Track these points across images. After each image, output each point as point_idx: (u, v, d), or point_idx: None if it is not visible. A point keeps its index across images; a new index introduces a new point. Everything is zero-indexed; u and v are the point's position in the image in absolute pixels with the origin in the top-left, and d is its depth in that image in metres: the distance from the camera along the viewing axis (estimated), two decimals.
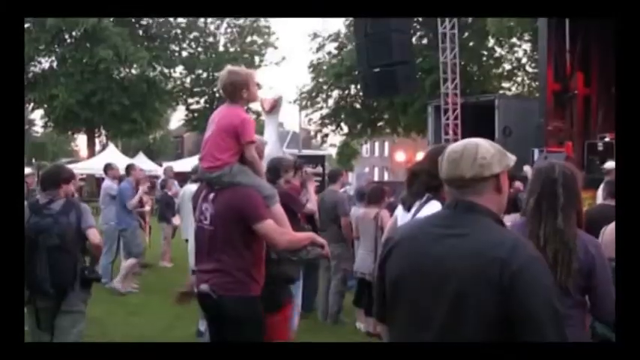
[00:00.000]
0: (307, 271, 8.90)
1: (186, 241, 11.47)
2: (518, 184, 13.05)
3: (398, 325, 2.68)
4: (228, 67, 4.73)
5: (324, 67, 37.97)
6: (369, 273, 8.66)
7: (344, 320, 9.59)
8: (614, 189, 6.23)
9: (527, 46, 33.62)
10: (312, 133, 43.20)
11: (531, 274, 2.39)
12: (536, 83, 27.06)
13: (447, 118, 21.33)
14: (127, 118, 38.76)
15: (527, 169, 11.40)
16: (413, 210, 4.03)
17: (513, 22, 27.16)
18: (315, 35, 38.58)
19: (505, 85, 35.40)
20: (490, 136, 15.03)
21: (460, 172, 2.56)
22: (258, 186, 4.54)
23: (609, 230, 4.64)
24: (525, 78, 35.54)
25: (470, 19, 30.36)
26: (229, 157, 4.47)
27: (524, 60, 35.11)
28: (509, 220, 3.65)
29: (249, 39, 44.49)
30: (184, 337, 7.91)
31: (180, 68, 43.56)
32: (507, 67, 35.59)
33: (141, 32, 41.20)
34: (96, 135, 43.06)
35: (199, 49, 43.82)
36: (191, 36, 43.06)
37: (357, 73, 28.12)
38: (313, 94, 38.80)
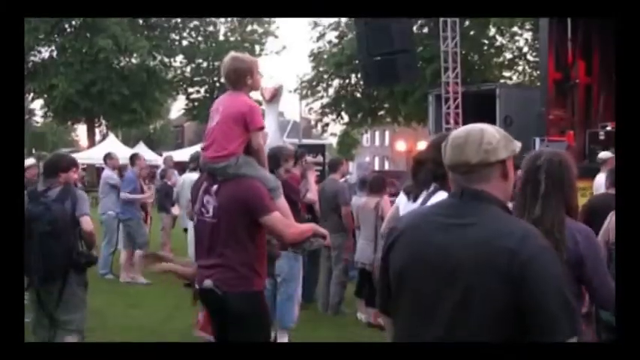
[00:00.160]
0: (308, 261, 8.88)
1: (185, 230, 11.48)
2: (520, 173, 12.99)
3: (402, 317, 2.61)
4: (232, 53, 4.61)
5: (325, 56, 37.83)
6: (370, 263, 8.63)
7: (345, 311, 9.55)
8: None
9: (528, 35, 33.49)
10: (313, 123, 43.11)
11: (542, 264, 2.34)
12: (538, 72, 26.98)
13: (448, 107, 21.25)
14: (126, 108, 38.69)
15: None
16: (420, 200, 3.97)
17: None
18: (316, 24, 38.39)
19: (506, 74, 35.27)
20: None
21: (465, 157, 2.49)
22: (263, 178, 4.43)
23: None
24: (526, 67, 35.40)
25: None
26: (236, 147, 4.33)
27: (525, 49, 34.96)
28: None
29: (249, 28, 44.35)
30: (184, 327, 7.87)
31: (180, 57, 43.36)
32: (508, 56, 35.45)
33: (140, 21, 41.02)
34: (96, 125, 43.03)
35: (199, 38, 43.66)
36: (191, 25, 42.86)
37: (357, 62, 28.05)
38: (314, 84, 38.66)
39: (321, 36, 38.35)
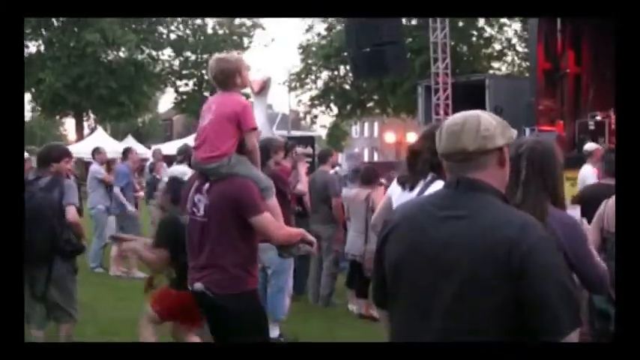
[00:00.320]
0: None
1: None
2: None
3: (399, 310, 2.57)
4: (216, 55, 4.56)
5: (314, 49, 37.84)
6: (360, 255, 8.61)
7: (335, 302, 9.52)
8: (611, 167, 6.12)
9: (517, 26, 33.53)
10: (302, 115, 43.12)
11: (542, 255, 2.29)
12: (527, 63, 27.03)
13: (438, 98, 21.24)
14: (114, 102, 38.51)
15: None
16: (417, 190, 3.93)
17: None
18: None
19: (495, 65, 35.37)
20: None
21: (462, 145, 2.44)
22: (256, 177, 4.38)
23: (611, 204, 4.55)
24: (515, 58, 35.52)
25: None
26: (229, 148, 4.28)
27: (514, 40, 35.07)
28: None
29: (237, 20, 44.18)
30: None
31: (168, 51, 43.19)
32: (497, 47, 35.53)
33: None
34: (84, 119, 42.82)
35: (187, 31, 43.46)
36: (179, 18, 42.73)
37: (346, 54, 28.03)
38: (302, 76, 38.70)
39: (310, 28, 38.36)
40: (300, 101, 40.82)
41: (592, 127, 16.33)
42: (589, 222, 4.24)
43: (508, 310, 2.28)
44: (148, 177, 14.15)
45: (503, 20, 32.93)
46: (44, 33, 38.00)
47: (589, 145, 10.91)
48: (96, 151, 12.53)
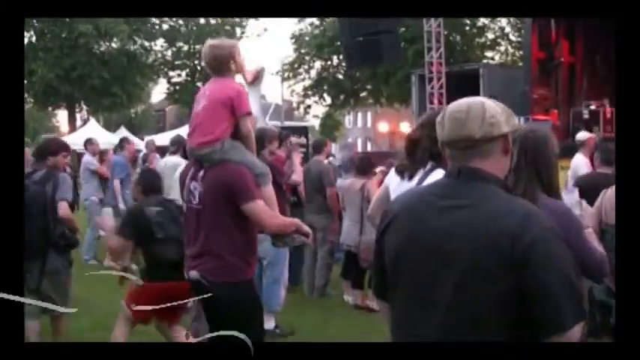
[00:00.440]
0: None
1: None
2: None
3: (399, 300, 2.52)
4: (209, 41, 4.51)
5: (306, 38, 37.78)
6: (355, 245, 8.58)
7: (331, 293, 9.49)
8: (607, 156, 6.09)
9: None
10: (295, 105, 43.09)
11: (546, 246, 2.25)
12: (520, 52, 27.01)
13: (432, 87, 21.22)
14: (107, 93, 38.33)
15: None
16: (416, 179, 3.88)
17: None
18: None
19: (488, 54, 35.32)
20: None
21: (467, 132, 2.38)
22: (251, 163, 4.32)
23: (609, 195, 4.52)
24: (509, 47, 35.47)
25: None
26: (222, 132, 4.22)
27: (507, 29, 35.00)
28: None
29: None
30: None
31: (160, 41, 43.01)
32: (490, 36, 35.48)
33: None
34: (77, 110, 42.66)
35: (180, 21, 43.24)
36: None
37: (339, 43, 27.97)
38: (295, 66, 38.65)
39: (302, 18, 38.23)
40: (293, 91, 40.83)
41: (586, 116, 16.37)
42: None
43: (510, 300, 2.24)
44: (141, 168, 14.10)
45: None
46: (36, 24, 37.79)
47: (581, 135, 10.86)
48: (88, 142, 12.49)
